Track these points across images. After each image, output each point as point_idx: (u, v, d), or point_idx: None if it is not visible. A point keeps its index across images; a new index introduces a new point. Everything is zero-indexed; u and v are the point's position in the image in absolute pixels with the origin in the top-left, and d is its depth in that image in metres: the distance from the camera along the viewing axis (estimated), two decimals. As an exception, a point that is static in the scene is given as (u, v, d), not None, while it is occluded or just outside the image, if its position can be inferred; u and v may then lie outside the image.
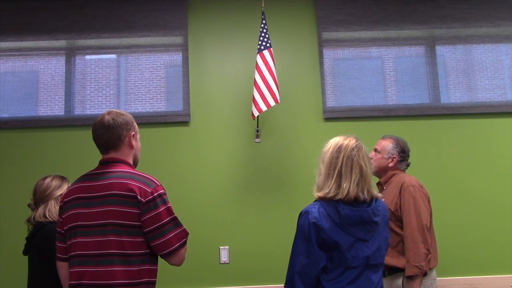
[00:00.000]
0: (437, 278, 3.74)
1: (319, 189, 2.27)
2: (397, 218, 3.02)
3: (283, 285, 2.22)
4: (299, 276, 2.21)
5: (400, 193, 3.05)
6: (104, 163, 2.25)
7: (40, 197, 2.86)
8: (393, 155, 3.19)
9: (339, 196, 2.21)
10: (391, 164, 3.18)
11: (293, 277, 2.20)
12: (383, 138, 3.31)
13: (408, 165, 3.24)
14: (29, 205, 2.91)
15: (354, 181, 2.24)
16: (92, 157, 3.82)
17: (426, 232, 2.96)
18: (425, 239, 2.94)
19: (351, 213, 2.21)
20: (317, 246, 2.18)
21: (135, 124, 2.35)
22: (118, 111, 2.31)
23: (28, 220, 2.84)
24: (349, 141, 2.38)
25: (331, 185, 2.24)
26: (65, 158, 3.97)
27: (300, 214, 2.24)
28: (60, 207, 2.27)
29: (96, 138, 2.28)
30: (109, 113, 2.29)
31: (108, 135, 2.24)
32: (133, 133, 2.30)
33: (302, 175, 3.95)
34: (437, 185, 3.94)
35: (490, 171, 3.98)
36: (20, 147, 3.99)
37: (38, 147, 4.00)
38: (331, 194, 2.22)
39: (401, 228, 3.01)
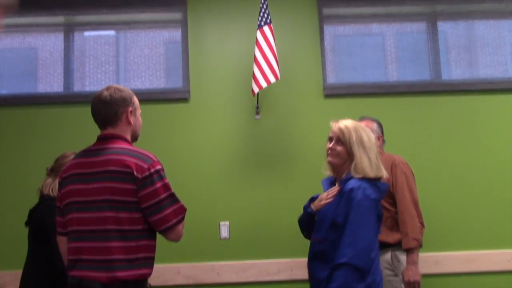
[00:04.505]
0: (435, 253, 3.78)
1: (368, 171, 2.39)
2: (388, 195, 3.08)
3: (342, 261, 2.22)
4: (366, 250, 2.28)
5: (391, 170, 3.12)
6: (102, 139, 2.25)
7: (55, 167, 2.98)
8: (379, 134, 3.25)
9: (380, 175, 2.43)
10: (378, 144, 3.19)
11: (361, 252, 2.24)
12: (364, 119, 3.31)
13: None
14: (46, 169, 3.04)
15: (380, 161, 2.49)
16: (91, 133, 3.80)
17: (419, 207, 3.11)
18: (419, 213, 3.09)
19: (383, 188, 2.44)
20: (377, 221, 2.36)
21: (134, 100, 2.33)
22: (117, 86, 2.30)
23: (39, 189, 2.99)
24: (367, 125, 2.75)
25: (378, 166, 2.44)
26: (64, 134, 3.97)
27: (356, 189, 2.32)
28: (59, 183, 2.29)
29: (94, 114, 2.28)
30: (107, 88, 2.28)
31: (105, 111, 2.24)
32: (131, 109, 2.28)
33: (302, 151, 3.95)
34: (438, 160, 3.94)
35: (490, 148, 3.97)
36: (19, 124, 3.98)
37: (37, 124, 3.99)
38: (380, 174, 2.43)
39: (391, 204, 3.13)
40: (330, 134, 2.55)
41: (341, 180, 2.45)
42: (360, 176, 2.39)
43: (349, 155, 2.45)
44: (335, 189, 2.47)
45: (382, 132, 3.32)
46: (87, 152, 2.25)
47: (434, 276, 3.75)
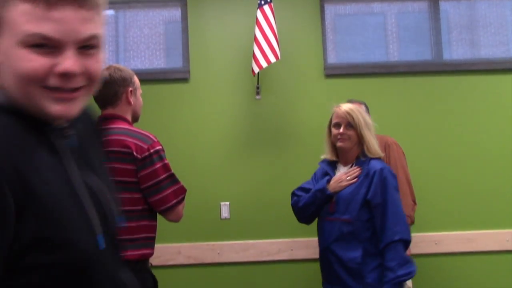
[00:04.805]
0: (435, 233, 3.80)
1: (379, 151, 2.60)
2: None
3: (397, 238, 2.42)
4: (408, 225, 2.57)
5: (385, 150, 3.21)
6: (102, 120, 2.25)
7: None
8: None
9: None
10: None
11: (407, 227, 2.51)
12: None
13: None
14: None
15: None
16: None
17: (411, 185, 3.25)
18: (411, 191, 3.24)
19: None
20: None
21: (134, 79, 2.32)
22: (117, 66, 2.30)
23: None
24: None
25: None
26: (65, 115, 3.96)
27: (384, 169, 2.53)
28: None
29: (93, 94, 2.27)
30: (107, 68, 2.27)
31: (105, 90, 2.21)
32: (131, 89, 2.27)
33: (302, 131, 3.94)
34: (438, 140, 3.94)
35: (491, 128, 3.96)
36: (20, 105, 3.97)
37: (37, 104, 3.97)
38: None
39: None
40: (337, 120, 2.62)
41: (360, 162, 2.57)
42: (375, 156, 2.55)
43: (358, 138, 2.56)
44: (355, 170, 2.56)
45: (369, 114, 3.35)
46: None
47: (433, 255, 3.77)
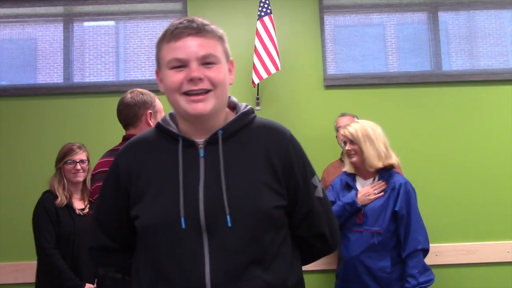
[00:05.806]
0: (435, 245, 3.78)
1: (376, 163, 2.70)
2: None
3: (419, 247, 2.62)
4: None
5: None
6: (126, 140, 2.36)
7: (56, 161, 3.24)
8: None
9: (391, 162, 2.75)
10: None
11: (427, 237, 2.67)
12: (345, 115, 3.60)
13: None
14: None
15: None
16: (92, 125, 3.81)
17: None
18: None
19: None
20: None
21: (156, 103, 2.46)
22: (140, 90, 2.46)
23: None
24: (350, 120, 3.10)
25: (388, 154, 2.74)
26: (64, 126, 3.96)
27: (407, 183, 2.72)
28: (91, 179, 2.46)
29: (117, 114, 2.44)
30: (131, 91, 2.44)
31: (126, 112, 2.39)
32: (150, 111, 2.40)
33: (302, 142, 3.91)
34: (438, 152, 3.94)
35: (491, 139, 3.96)
36: (19, 115, 3.97)
37: (37, 115, 3.98)
38: (391, 162, 2.75)
39: None
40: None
41: (383, 175, 2.74)
42: (372, 169, 2.71)
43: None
44: (380, 184, 2.73)
45: None
46: (113, 151, 2.34)
47: (434, 267, 3.69)
